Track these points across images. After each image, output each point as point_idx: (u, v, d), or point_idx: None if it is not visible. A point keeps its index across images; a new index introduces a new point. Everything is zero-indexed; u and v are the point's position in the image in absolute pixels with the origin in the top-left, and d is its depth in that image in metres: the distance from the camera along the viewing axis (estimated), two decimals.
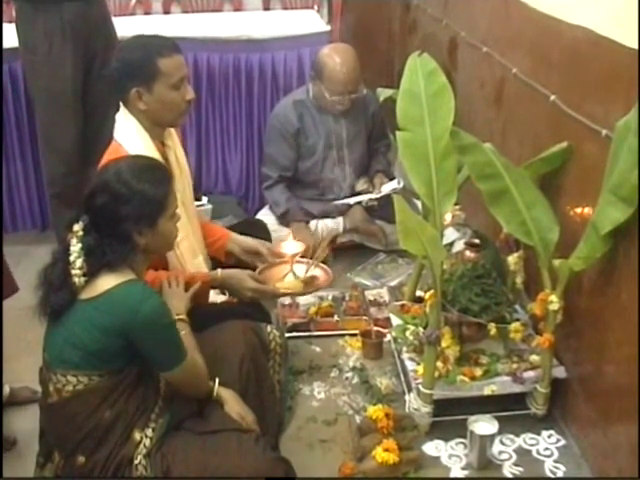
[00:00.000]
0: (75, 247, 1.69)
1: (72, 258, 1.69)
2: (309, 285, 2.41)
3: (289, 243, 2.51)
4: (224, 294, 2.34)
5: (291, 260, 2.43)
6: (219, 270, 2.29)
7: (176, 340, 1.78)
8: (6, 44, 3.16)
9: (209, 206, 3.46)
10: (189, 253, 2.25)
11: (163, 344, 1.75)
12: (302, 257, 2.48)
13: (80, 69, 2.94)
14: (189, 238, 2.25)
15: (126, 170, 1.75)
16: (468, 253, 2.50)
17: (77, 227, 1.72)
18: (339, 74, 3.11)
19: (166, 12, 4.67)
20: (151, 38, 2.21)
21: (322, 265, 2.50)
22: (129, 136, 2.16)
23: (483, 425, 2.10)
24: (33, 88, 3.05)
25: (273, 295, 2.41)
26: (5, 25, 3.19)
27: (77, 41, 2.89)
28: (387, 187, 3.23)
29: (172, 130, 2.30)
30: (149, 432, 1.74)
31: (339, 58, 3.12)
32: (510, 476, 2.10)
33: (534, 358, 2.22)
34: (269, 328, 2.24)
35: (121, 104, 2.19)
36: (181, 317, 1.95)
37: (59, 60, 2.88)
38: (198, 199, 3.20)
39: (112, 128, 2.21)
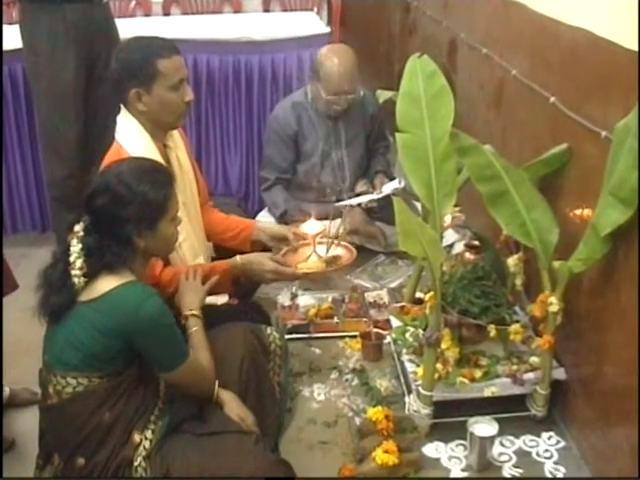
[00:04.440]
0: (75, 247, 1.70)
1: (72, 258, 1.69)
2: (332, 264, 2.44)
3: (310, 223, 2.54)
4: (234, 284, 2.34)
5: (313, 240, 2.44)
6: (238, 257, 2.30)
7: (177, 341, 1.78)
8: (6, 46, 3.17)
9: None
10: (190, 254, 2.26)
11: (164, 345, 1.75)
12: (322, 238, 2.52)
13: (83, 71, 2.94)
14: (190, 239, 2.26)
15: (128, 172, 1.76)
16: (468, 255, 2.50)
17: (78, 227, 1.73)
18: (335, 74, 3.11)
19: (166, 14, 4.69)
20: (150, 39, 2.21)
21: (344, 244, 2.51)
22: (130, 137, 2.16)
23: (483, 427, 2.10)
24: (35, 89, 3.05)
25: (293, 276, 2.43)
26: (5, 27, 3.19)
27: (80, 43, 2.89)
28: (388, 187, 3.22)
29: (175, 131, 2.31)
30: (149, 434, 1.74)
31: (336, 58, 3.12)
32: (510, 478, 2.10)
33: (534, 360, 2.22)
34: (269, 330, 2.24)
35: (122, 106, 2.19)
36: (194, 313, 1.95)
37: (62, 62, 2.88)
38: None
39: (113, 131, 2.21)
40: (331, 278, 3.09)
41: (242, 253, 2.38)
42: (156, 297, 1.73)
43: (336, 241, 2.50)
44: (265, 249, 2.45)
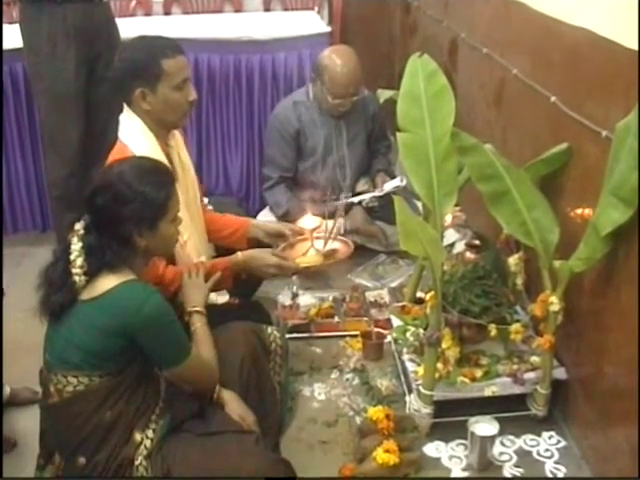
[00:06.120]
0: (76, 246, 1.70)
1: (73, 257, 1.69)
2: (329, 257, 2.52)
3: (307, 218, 2.61)
4: (239, 278, 2.35)
5: (310, 235, 2.48)
6: (239, 253, 2.32)
7: (180, 337, 1.78)
8: (6, 45, 3.17)
9: (210, 207, 3.46)
10: (193, 253, 2.26)
11: (167, 341, 1.75)
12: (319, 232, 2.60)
13: (83, 71, 2.94)
14: (193, 238, 2.27)
15: (129, 171, 1.76)
16: (468, 254, 2.50)
17: (78, 226, 1.73)
18: (341, 77, 3.11)
19: (167, 13, 4.67)
20: (154, 39, 2.21)
21: (341, 238, 2.61)
22: (135, 136, 2.16)
23: (483, 426, 2.10)
24: (36, 89, 3.05)
25: (295, 270, 2.46)
26: (5, 26, 3.19)
27: (81, 43, 2.89)
28: (390, 185, 3.21)
29: (176, 130, 2.31)
30: (150, 433, 1.74)
31: (340, 61, 3.12)
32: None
33: (534, 359, 2.22)
34: (269, 329, 2.24)
35: (125, 105, 2.19)
36: (197, 309, 1.97)
37: (63, 62, 2.88)
38: None
39: (115, 130, 2.21)
40: (332, 277, 3.10)
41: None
42: (157, 295, 1.74)
43: (333, 235, 2.56)
44: (261, 246, 2.46)
